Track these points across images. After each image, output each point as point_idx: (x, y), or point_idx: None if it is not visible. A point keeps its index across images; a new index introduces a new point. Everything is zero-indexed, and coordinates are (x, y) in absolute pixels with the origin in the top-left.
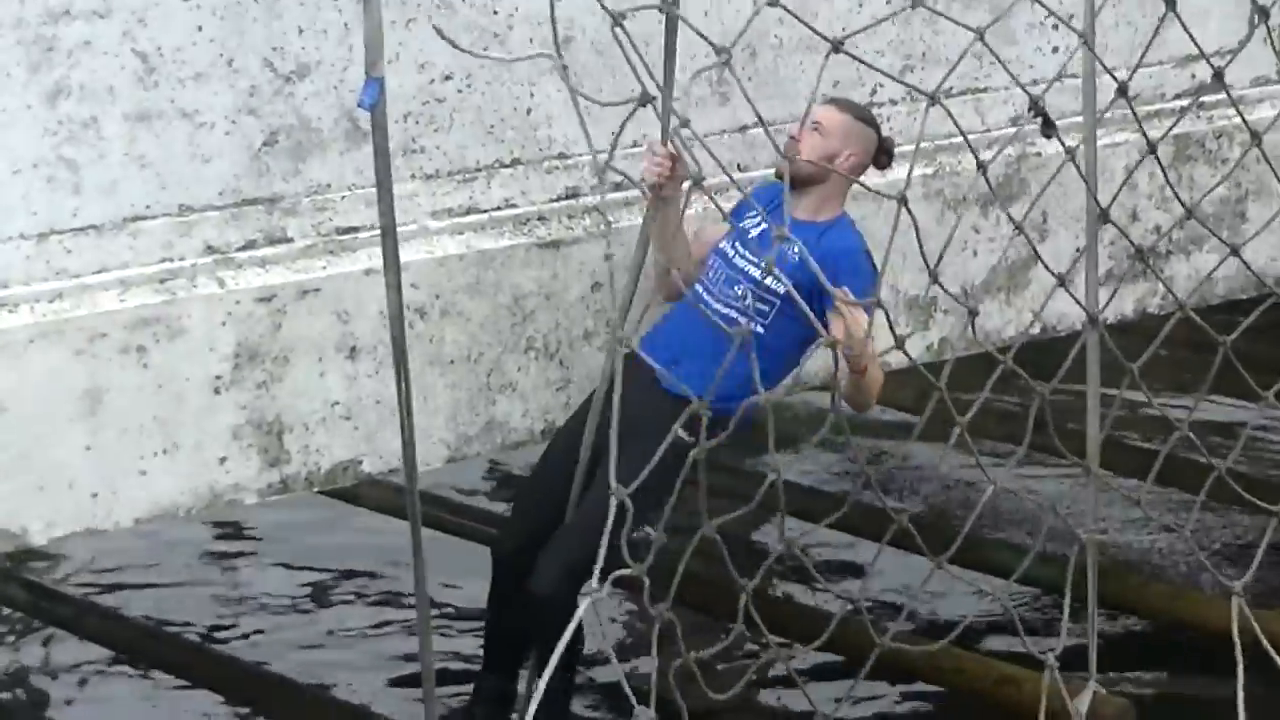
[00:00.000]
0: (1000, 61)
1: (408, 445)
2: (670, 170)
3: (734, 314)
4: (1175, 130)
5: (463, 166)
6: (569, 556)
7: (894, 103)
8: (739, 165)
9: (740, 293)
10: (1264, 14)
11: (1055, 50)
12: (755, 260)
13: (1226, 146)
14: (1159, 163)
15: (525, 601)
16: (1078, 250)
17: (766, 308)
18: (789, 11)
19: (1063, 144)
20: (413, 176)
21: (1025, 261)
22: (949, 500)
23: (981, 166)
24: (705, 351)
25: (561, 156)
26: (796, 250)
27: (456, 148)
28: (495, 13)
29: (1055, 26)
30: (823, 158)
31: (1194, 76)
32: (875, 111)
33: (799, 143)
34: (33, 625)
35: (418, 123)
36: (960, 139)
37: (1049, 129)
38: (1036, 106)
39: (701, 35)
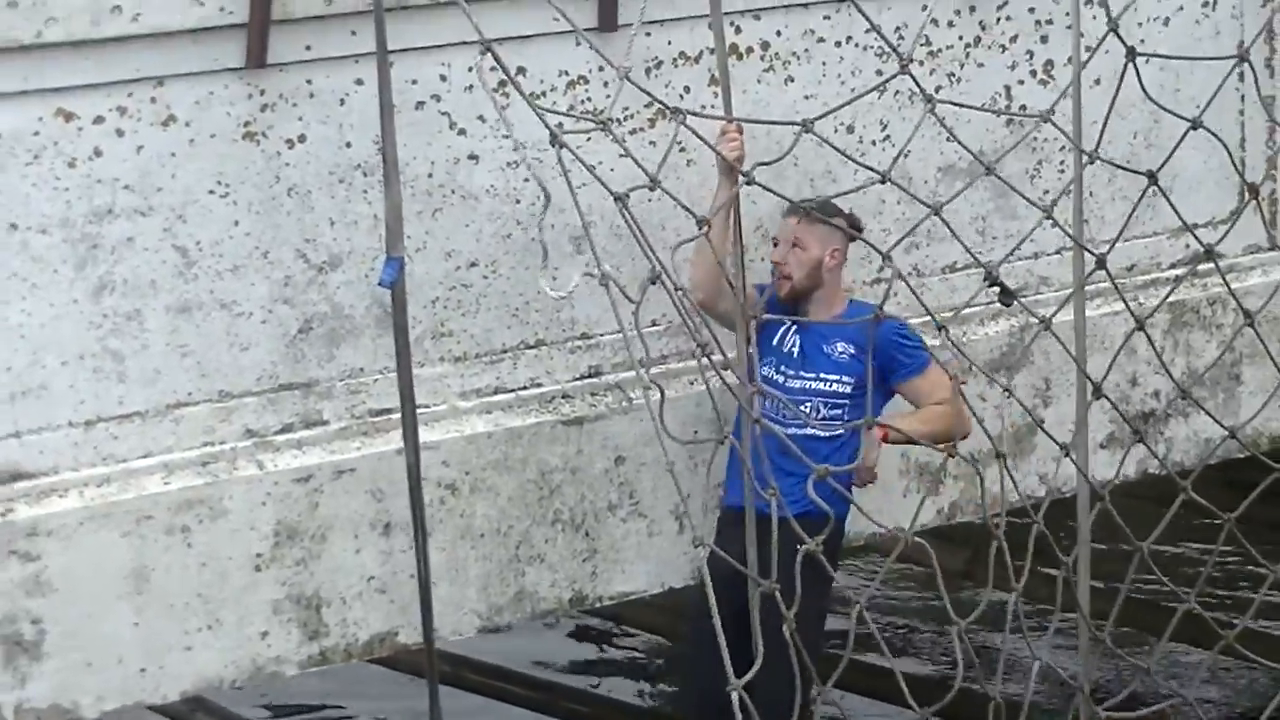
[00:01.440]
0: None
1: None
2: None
3: (811, 430)
4: (1171, 298)
5: (489, 348)
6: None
7: (900, 274)
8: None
9: (809, 409)
10: (1254, 190)
11: (1054, 225)
12: (813, 374)
13: (1221, 312)
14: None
15: None
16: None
17: (839, 412)
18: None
19: (1031, 313)
20: (442, 359)
21: (1030, 427)
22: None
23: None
24: (796, 471)
25: (584, 336)
26: (842, 349)
27: (483, 330)
28: (518, 202)
29: (1054, 203)
30: (812, 269)
31: (1188, 246)
32: (881, 286)
33: (786, 265)
34: None
35: (445, 307)
36: (966, 310)
37: (1008, 298)
38: (992, 277)
39: (688, 209)
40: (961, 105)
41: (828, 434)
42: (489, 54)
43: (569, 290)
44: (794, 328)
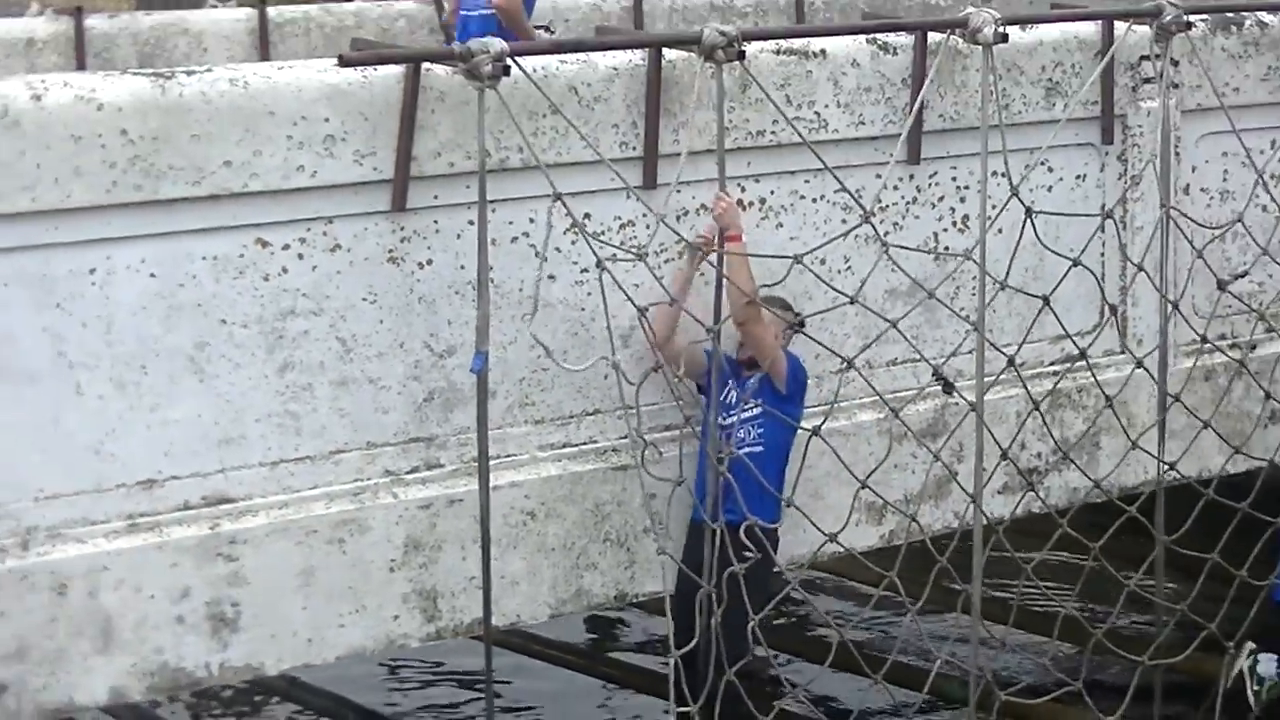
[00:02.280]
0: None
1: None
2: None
3: (746, 450)
4: (1050, 386)
5: (561, 414)
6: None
7: (855, 366)
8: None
9: (747, 434)
10: (1113, 309)
11: (969, 331)
12: (740, 407)
13: (1085, 397)
14: (1041, 414)
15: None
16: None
17: (761, 430)
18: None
19: (964, 399)
20: (526, 421)
21: (949, 478)
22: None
23: (895, 412)
24: (741, 485)
25: (628, 408)
26: (751, 380)
27: (556, 402)
28: (583, 309)
29: (968, 316)
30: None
31: (1063, 349)
32: (840, 374)
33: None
34: None
35: (529, 385)
36: (903, 393)
37: (949, 389)
38: (938, 374)
39: (698, 320)
40: (904, 247)
41: (761, 447)
42: (560, 203)
43: (580, 369)
44: (730, 382)
